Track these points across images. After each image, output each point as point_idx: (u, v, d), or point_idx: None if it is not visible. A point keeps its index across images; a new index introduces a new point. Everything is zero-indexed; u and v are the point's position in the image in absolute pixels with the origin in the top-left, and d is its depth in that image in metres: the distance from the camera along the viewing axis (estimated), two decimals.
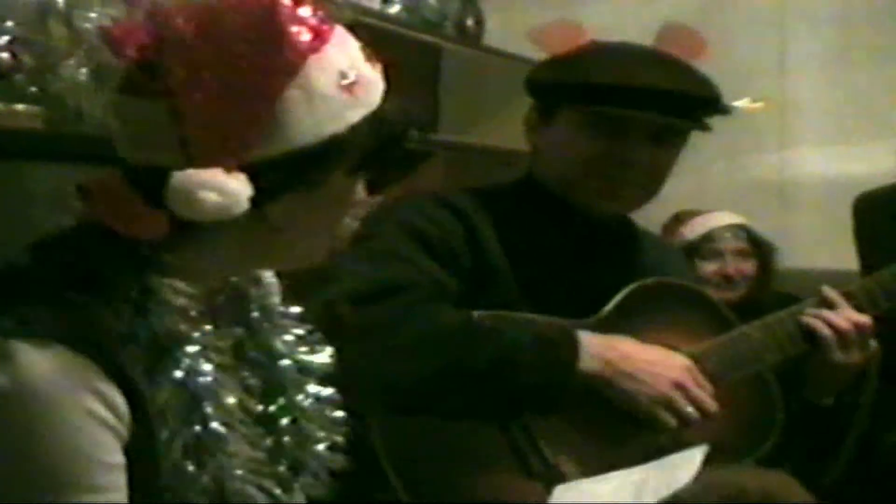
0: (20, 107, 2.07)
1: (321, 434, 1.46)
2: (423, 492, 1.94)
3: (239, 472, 1.30)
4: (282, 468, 1.42)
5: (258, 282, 1.46)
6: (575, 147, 2.17)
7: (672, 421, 2.02)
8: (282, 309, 1.48)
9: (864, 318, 2.17)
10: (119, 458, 1.23)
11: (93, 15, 2.06)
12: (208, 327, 1.33)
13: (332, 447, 1.47)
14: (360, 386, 1.90)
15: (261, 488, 1.33)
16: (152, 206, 1.25)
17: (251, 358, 1.43)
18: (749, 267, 3.23)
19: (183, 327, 1.28)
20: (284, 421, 1.43)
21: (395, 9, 3.81)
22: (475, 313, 2.03)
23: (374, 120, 1.32)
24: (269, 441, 1.41)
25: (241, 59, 1.23)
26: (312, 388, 1.46)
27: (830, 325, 2.17)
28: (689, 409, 2.03)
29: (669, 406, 2.02)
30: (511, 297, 2.10)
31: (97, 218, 1.28)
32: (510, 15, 4.36)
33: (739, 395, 2.14)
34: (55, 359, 1.20)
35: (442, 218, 2.13)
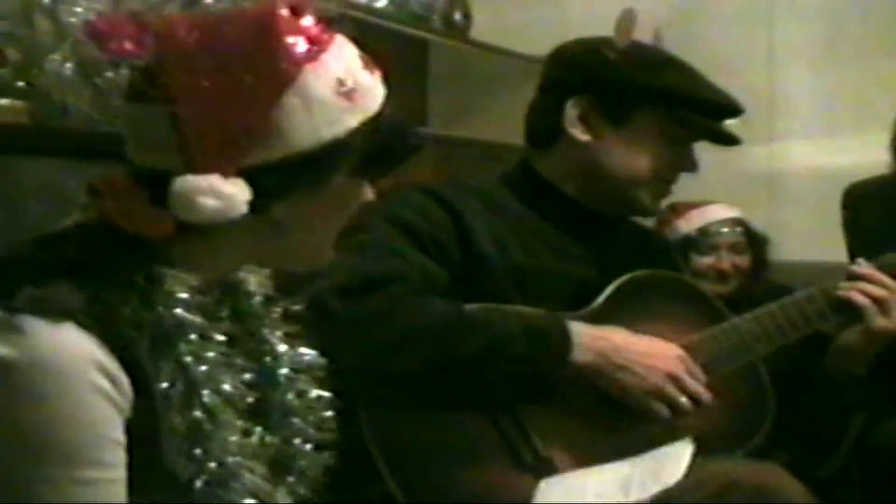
0: (5, 101, 2.06)
1: (311, 431, 1.48)
2: (413, 484, 1.94)
3: (234, 458, 1.33)
4: (270, 455, 1.44)
5: (252, 276, 1.50)
6: (655, 150, 2.21)
7: (665, 411, 2.02)
8: (275, 306, 1.51)
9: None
10: (121, 436, 1.27)
11: (78, 10, 2.06)
12: (205, 319, 1.36)
13: (320, 446, 1.50)
14: (350, 378, 1.90)
15: (253, 473, 1.36)
16: (158, 207, 1.30)
17: (246, 350, 1.45)
18: (744, 261, 3.23)
19: (186, 316, 1.32)
20: (276, 416, 1.46)
21: (382, 3, 3.81)
22: (466, 306, 2.03)
23: (373, 123, 1.37)
24: (259, 435, 1.42)
25: (239, 68, 1.29)
26: (303, 385, 1.49)
27: (867, 293, 2.20)
28: (682, 399, 2.03)
29: (662, 396, 2.02)
30: (501, 289, 2.10)
31: (104, 215, 1.33)
32: (498, 9, 4.35)
33: (731, 387, 2.13)
34: (64, 334, 1.24)
35: (431, 210, 2.12)
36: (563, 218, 2.22)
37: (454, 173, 4.14)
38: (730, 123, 2.27)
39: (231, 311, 1.46)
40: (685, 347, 2.09)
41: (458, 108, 4.32)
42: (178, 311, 1.32)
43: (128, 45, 1.30)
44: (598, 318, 2.09)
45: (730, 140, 2.26)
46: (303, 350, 1.51)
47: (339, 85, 1.34)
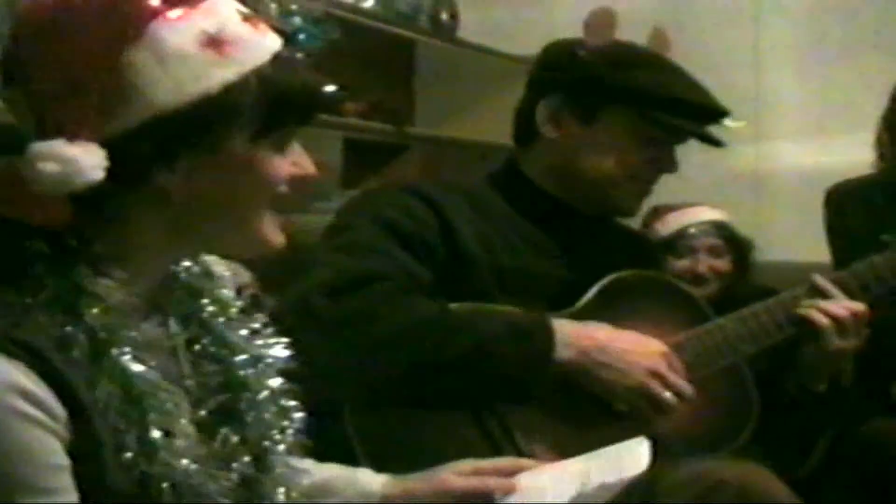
0: None
1: (285, 424, 1.43)
2: None
3: (190, 467, 1.26)
4: (246, 459, 1.38)
5: (209, 275, 1.42)
6: (625, 149, 2.19)
7: (649, 408, 2.03)
8: (236, 302, 1.44)
9: (860, 306, 2.19)
10: (62, 460, 1.20)
11: None
12: (146, 324, 1.31)
13: (293, 443, 1.44)
14: (334, 376, 1.90)
15: (215, 480, 1.29)
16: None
17: (207, 353, 1.39)
18: (723, 264, 3.22)
19: (119, 324, 1.24)
20: (249, 418, 1.39)
21: (369, 3, 3.81)
22: (451, 305, 2.03)
23: (262, 78, 1.27)
24: (232, 437, 1.37)
25: (83, 30, 1.21)
26: (273, 382, 1.42)
27: (827, 313, 2.17)
28: (667, 394, 2.03)
29: (645, 393, 2.02)
30: (486, 288, 2.10)
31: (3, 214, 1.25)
32: (485, 9, 4.36)
33: (715, 387, 2.14)
34: None
35: (416, 209, 2.12)
36: (547, 217, 2.22)
37: (441, 173, 4.15)
38: (728, 125, 2.26)
39: (188, 313, 1.39)
40: (670, 347, 2.09)
41: (445, 108, 4.32)
42: (109, 319, 1.22)
43: None
44: (581, 318, 2.09)
45: (712, 142, 2.25)
46: (268, 344, 1.43)
47: (205, 38, 1.24)
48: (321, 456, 1.55)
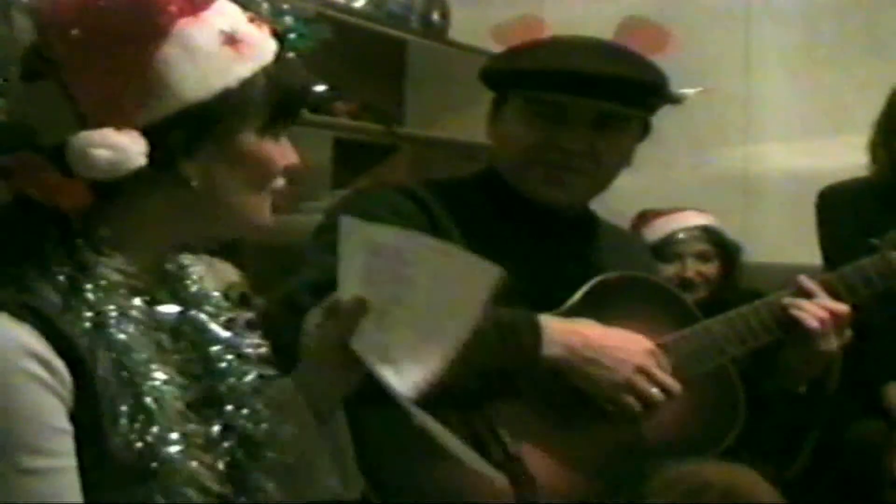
0: None
1: (265, 415, 1.48)
2: (383, 479, 1.93)
3: (176, 445, 1.31)
4: (229, 446, 1.44)
5: (182, 268, 1.49)
6: (518, 134, 2.19)
7: (636, 404, 2.03)
8: (213, 293, 1.51)
9: (843, 307, 2.18)
10: (66, 424, 1.26)
11: None
12: (141, 303, 1.37)
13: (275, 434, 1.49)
14: None
15: (201, 463, 1.35)
16: (68, 176, 1.31)
17: (189, 340, 1.45)
18: (711, 269, 3.22)
19: (117, 301, 1.32)
20: (229, 407, 1.45)
21: (360, 3, 3.81)
22: None
23: (269, 76, 1.39)
24: (215, 424, 1.43)
25: (114, 28, 1.31)
26: (250, 371, 1.48)
27: (811, 314, 2.17)
28: (654, 390, 2.03)
29: (632, 390, 2.02)
30: None
31: (18, 194, 1.34)
32: (476, 9, 4.35)
33: (701, 389, 2.14)
34: None
35: (405, 209, 2.12)
36: (528, 216, 2.21)
37: (431, 173, 4.15)
38: (686, 92, 2.24)
39: (173, 300, 1.45)
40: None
41: (436, 109, 4.33)
42: (110, 298, 1.31)
43: None
44: (569, 318, 2.10)
45: (616, 116, 2.16)
46: (246, 335, 1.50)
47: (224, 37, 1.36)
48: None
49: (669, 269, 3.16)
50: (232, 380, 1.46)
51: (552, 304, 2.13)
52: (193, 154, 1.36)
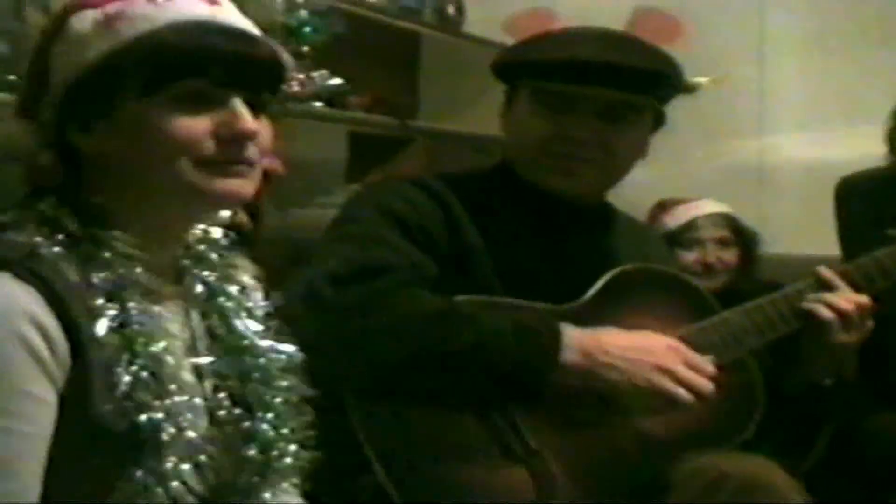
0: None
1: (293, 425, 1.48)
2: (404, 478, 1.94)
3: (172, 415, 1.33)
4: (252, 453, 1.45)
5: (202, 260, 1.52)
6: (528, 126, 2.20)
7: (658, 404, 2.01)
8: (249, 300, 1.53)
9: (864, 299, 2.18)
10: (43, 393, 1.28)
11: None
12: (155, 277, 1.41)
13: (305, 445, 1.50)
14: (337, 365, 1.90)
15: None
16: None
17: (222, 342, 1.48)
18: (730, 256, 3.23)
19: (121, 270, 1.35)
20: (259, 413, 1.46)
21: None
22: (456, 298, 2.03)
23: (144, 45, 1.37)
24: (245, 426, 1.45)
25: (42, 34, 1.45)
26: (282, 381, 1.49)
27: (831, 306, 2.16)
28: (680, 390, 2.00)
29: (654, 390, 2.00)
30: (488, 281, 2.10)
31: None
32: (491, 2, 4.34)
33: (721, 381, 2.13)
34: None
35: (420, 202, 2.13)
36: (543, 208, 2.21)
37: (446, 166, 4.14)
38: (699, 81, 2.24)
39: (199, 282, 1.49)
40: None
41: (451, 102, 4.32)
42: (119, 270, 1.35)
43: None
44: (586, 312, 2.09)
45: (626, 105, 2.17)
46: (282, 346, 1.51)
47: (102, 18, 1.39)
48: (326, 449, 1.55)
49: (690, 256, 3.18)
50: (259, 385, 1.47)
51: (569, 296, 2.12)
52: (87, 129, 1.39)
